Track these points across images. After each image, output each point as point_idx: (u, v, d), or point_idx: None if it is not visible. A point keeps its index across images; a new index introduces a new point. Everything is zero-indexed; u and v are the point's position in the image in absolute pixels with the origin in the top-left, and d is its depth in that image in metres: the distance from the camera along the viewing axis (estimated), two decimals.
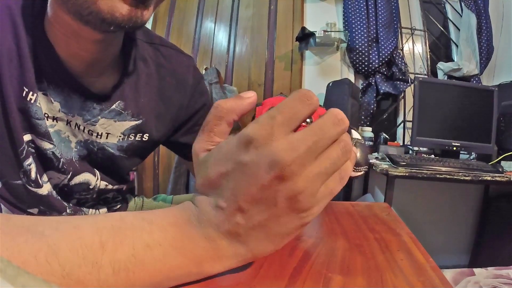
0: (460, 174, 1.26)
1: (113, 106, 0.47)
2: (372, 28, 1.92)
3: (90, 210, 0.54)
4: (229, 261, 0.24)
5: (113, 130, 0.48)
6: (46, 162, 0.45)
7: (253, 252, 0.24)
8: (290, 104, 0.22)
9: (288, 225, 0.23)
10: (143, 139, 0.52)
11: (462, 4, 1.99)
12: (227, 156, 0.23)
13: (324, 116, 0.22)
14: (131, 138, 0.51)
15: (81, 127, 0.46)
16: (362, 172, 0.36)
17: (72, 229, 0.22)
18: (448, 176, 1.25)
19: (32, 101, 0.41)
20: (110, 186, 0.54)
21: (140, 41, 0.51)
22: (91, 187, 0.51)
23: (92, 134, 0.47)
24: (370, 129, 1.75)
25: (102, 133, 0.48)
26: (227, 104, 0.25)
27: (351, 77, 1.97)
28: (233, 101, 0.25)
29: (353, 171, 0.35)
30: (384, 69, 1.94)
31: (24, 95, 0.40)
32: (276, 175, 0.21)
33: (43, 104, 0.42)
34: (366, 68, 1.91)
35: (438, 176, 1.26)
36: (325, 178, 0.23)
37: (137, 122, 0.50)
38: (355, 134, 0.36)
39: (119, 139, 0.50)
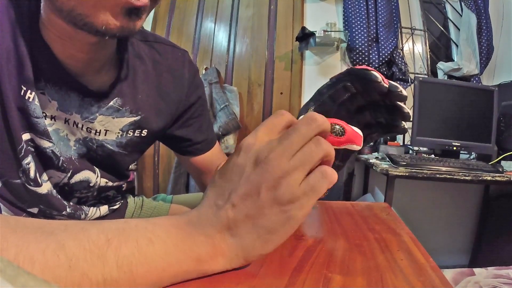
0: (460, 174, 1.26)
1: (111, 103, 0.47)
2: (372, 28, 1.92)
3: (91, 208, 0.54)
4: (224, 259, 0.26)
5: (111, 126, 0.48)
6: (46, 161, 0.45)
7: (243, 248, 0.26)
8: (271, 119, 0.28)
9: (272, 218, 0.25)
10: (142, 134, 0.53)
11: (462, 4, 1.99)
12: (227, 161, 0.28)
13: (300, 119, 0.27)
14: (129, 134, 0.51)
15: (79, 125, 0.46)
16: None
17: (80, 229, 0.23)
18: (448, 176, 1.25)
19: (30, 100, 0.41)
20: (110, 183, 0.54)
21: (134, 39, 0.51)
22: (91, 184, 0.51)
23: (90, 132, 0.47)
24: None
25: (100, 130, 0.48)
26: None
27: None
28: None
29: None
30: (384, 69, 1.94)
31: (22, 93, 0.40)
32: (259, 170, 0.25)
33: (41, 103, 0.42)
34: None
35: (438, 176, 1.26)
36: (302, 171, 0.25)
37: (135, 118, 0.50)
38: None
39: (117, 135, 0.50)
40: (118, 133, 0.50)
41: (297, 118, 0.36)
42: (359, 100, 0.36)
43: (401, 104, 0.35)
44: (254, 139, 0.27)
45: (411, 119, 1.45)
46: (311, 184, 0.25)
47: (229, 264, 0.26)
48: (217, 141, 0.67)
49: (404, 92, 0.34)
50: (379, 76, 0.33)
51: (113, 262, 0.22)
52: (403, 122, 0.37)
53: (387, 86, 0.33)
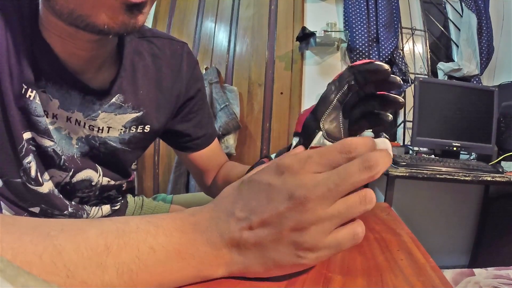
0: (460, 174, 1.26)
1: (113, 100, 0.47)
2: (372, 28, 1.91)
3: (93, 208, 0.54)
4: (225, 269, 0.25)
5: (114, 123, 0.48)
6: (47, 160, 0.45)
7: (246, 266, 0.25)
8: (329, 151, 0.24)
9: (283, 255, 0.24)
10: (145, 130, 0.53)
11: (463, 4, 1.99)
12: (263, 172, 0.26)
13: (354, 161, 0.23)
14: (132, 130, 0.51)
15: (82, 123, 0.46)
16: None
17: (78, 230, 0.22)
18: (448, 176, 1.25)
19: (31, 98, 0.41)
20: (112, 182, 0.54)
21: (132, 36, 0.51)
22: (93, 183, 0.51)
23: (93, 129, 0.47)
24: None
25: (103, 127, 0.48)
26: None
27: None
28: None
29: None
30: None
31: (23, 92, 0.40)
32: (291, 206, 0.23)
33: (42, 102, 0.42)
34: None
35: (438, 176, 1.26)
36: (337, 223, 0.24)
37: (137, 114, 0.50)
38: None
39: (120, 132, 0.50)
40: (121, 129, 0.50)
41: (304, 127, 0.37)
42: (355, 97, 0.37)
43: (394, 95, 0.35)
44: (301, 166, 0.24)
45: (411, 119, 1.45)
46: (338, 240, 0.24)
47: (228, 273, 0.26)
48: (216, 138, 0.67)
49: (398, 79, 0.34)
50: (384, 64, 0.33)
51: (113, 270, 0.21)
52: (389, 115, 0.37)
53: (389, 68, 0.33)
